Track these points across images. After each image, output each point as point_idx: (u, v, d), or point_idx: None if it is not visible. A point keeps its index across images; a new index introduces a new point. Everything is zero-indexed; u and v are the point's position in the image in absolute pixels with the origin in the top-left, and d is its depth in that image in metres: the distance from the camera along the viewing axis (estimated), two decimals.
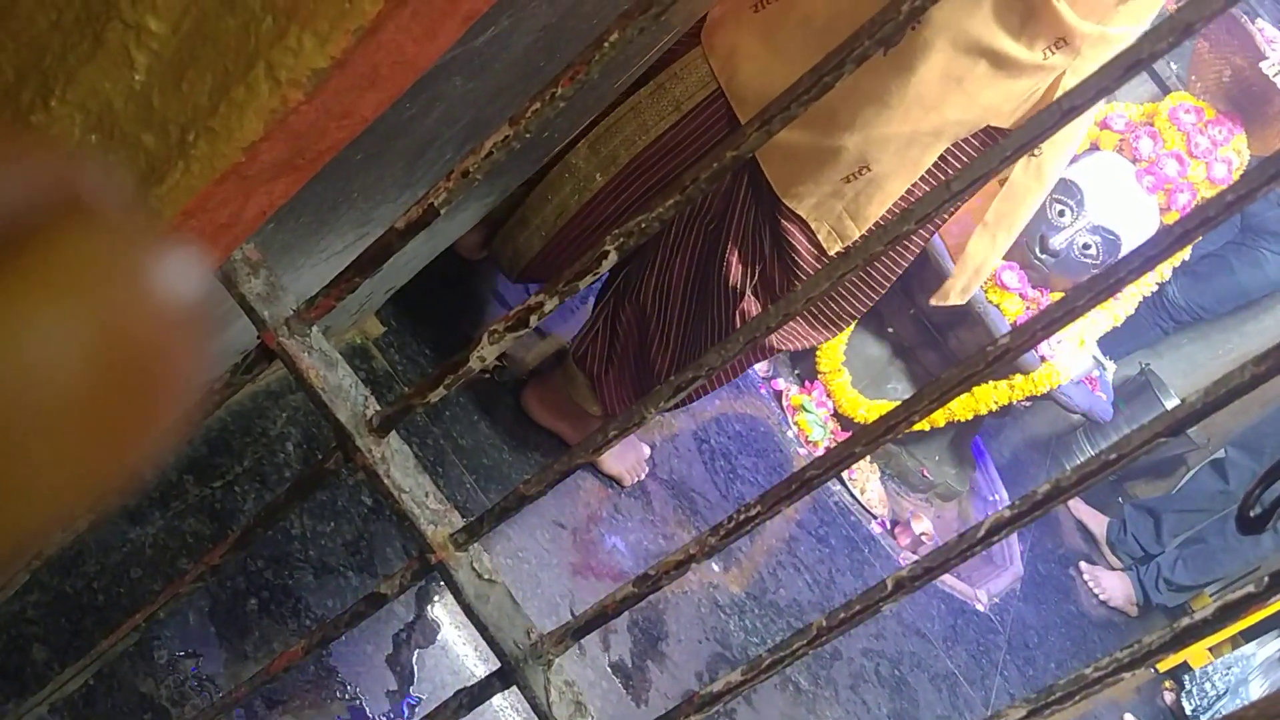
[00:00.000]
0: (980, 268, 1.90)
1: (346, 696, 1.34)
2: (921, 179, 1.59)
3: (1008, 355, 0.58)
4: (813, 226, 1.60)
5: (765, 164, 1.59)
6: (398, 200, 1.25)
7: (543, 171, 1.72)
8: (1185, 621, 0.58)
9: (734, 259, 1.67)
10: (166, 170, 0.54)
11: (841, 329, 1.85)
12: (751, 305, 1.72)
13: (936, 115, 1.51)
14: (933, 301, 2.13)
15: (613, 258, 0.64)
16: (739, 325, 1.74)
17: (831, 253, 1.62)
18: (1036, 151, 1.59)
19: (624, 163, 1.66)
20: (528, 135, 0.64)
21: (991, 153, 0.57)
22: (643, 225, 0.62)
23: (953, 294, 2.02)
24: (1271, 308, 4.33)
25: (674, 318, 1.77)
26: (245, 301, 0.71)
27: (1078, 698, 0.60)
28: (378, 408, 0.73)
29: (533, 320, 0.67)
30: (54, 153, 0.21)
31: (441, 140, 1.18)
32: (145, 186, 0.54)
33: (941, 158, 1.58)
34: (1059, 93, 1.54)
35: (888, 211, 1.60)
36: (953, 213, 1.76)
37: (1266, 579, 0.58)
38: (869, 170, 1.55)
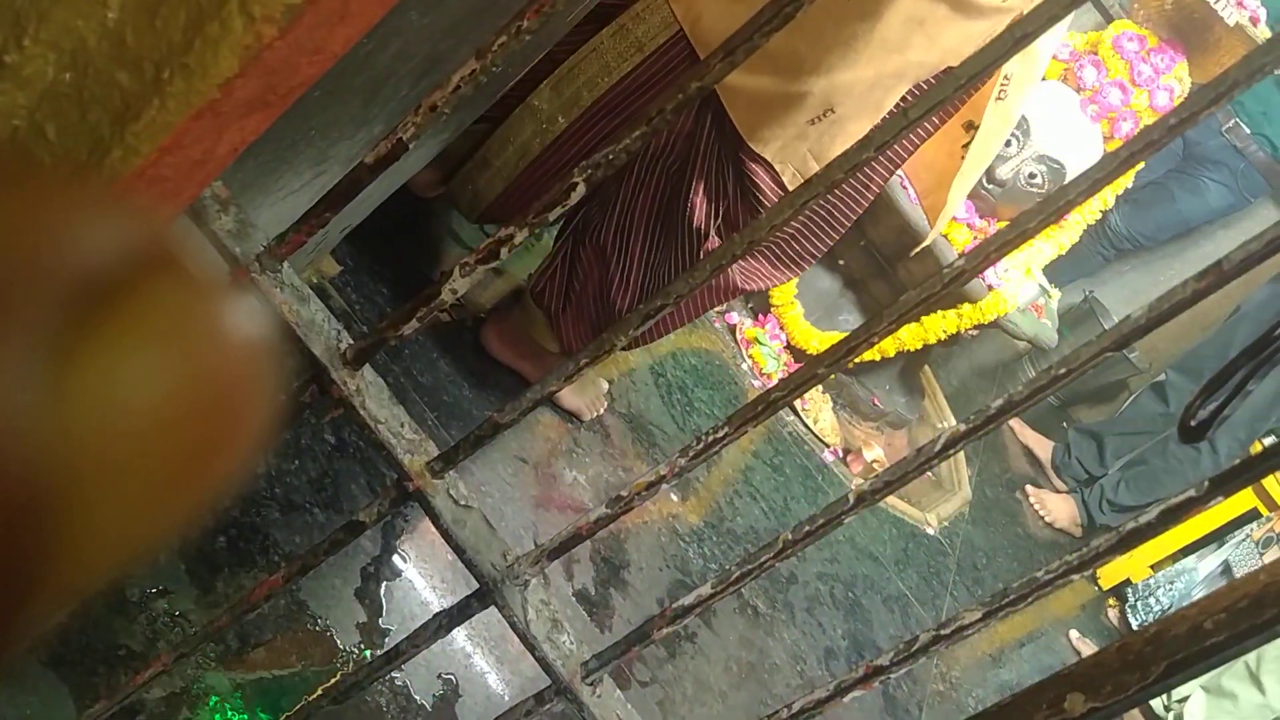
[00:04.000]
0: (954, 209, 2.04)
1: (317, 629, 1.36)
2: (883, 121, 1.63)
3: (963, 276, 0.60)
4: (777, 168, 1.63)
5: (732, 109, 1.61)
6: (355, 137, 1.24)
7: (504, 113, 1.72)
8: (1130, 524, 0.61)
9: (699, 200, 1.69)
10: (142, 107, 0.54)
11: (803, 269, 1.88)
12: (716, 245, 1.75)
13: (899, 57, 1.55)
14: (914, 252, 2.34)
15: (581, 190, 0.65)
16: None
17: None
18: (1002, 95, 1.63)
19: (587, 104, 1.66)
20: (494, 69, 0.65)
21: (946, 82, 0.59)
22: (610, 157, 0.64)
23: (930, 235, 2.20)
24: (1211, 235, 4.42)
25: (635, 258, 1.78)
26: (216, 239, 0.71)
27: (1030, 599, 0.63)
28: (351, 341, 0.74)
29: (503, 253, 0.69)
30: (142, 211, 0.22)
31: (398, 76, 1.18)
32: (121, 124, 0.55)
33: (902, 100, 1.61)
34: None
35: None
36: (910, 153, 1.80)
37: (1207, 484, 0.61)
38: (833, 112, 1.59)
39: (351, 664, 1.37)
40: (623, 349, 2.21)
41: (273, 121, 0.62)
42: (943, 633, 0.64)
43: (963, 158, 1.92)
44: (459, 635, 1.57)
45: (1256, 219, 4.33)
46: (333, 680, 1.32)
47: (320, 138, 1.18)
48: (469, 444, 0.71)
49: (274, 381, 0.23)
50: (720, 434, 0.67)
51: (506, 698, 1.55)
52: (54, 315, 0.19)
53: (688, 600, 0.68)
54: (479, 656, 1.57)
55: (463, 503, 0.73)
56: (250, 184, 1.17)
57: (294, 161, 1.19)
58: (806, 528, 0.67)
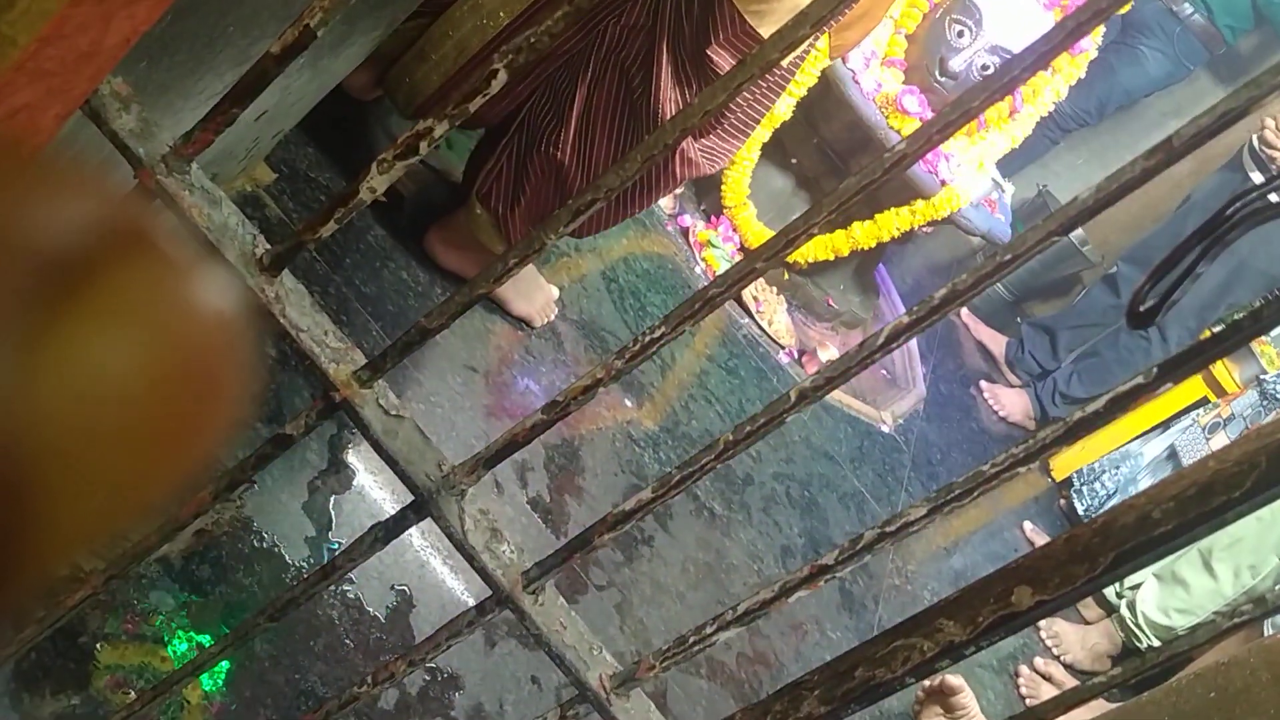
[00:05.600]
0: None
1: (265, 545, 1.34)
2: None
3: (905, 160, 0.57)
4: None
5: None
6: (277, 35, 1.18)
7: (439, 9, 1.66)
8: (1079, 414, 0.60)
9: (667, 96, 1.65)
10: None
11: (749, 134, 1.87)
12: (688, 144, 1.72)
13: None
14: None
15: (502, 76, 0.61)
16: (678, 164, 1.74)
17: None
18: None
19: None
20: None
21: None
22: (532, 40, 0.60)
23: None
24: (1163, 125, 4.41)
25: (601, 160, 1.73)
26: (117, 139, 0.67)
27: (976, 493, 0.62)
28: (268, 246, 0.70)
29: (423, 147, 0.65)
30: (109, 188, 0.22)
31: None
32: None
33: None
34: None
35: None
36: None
37: (1156, 370, 0.60)
38: None
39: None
40: (582, 236, 2.17)
41: (165, 7, 0.57)
42: (888, 530, 0.62)
43: None
44: (413, 545, 1.56)
45: (1196, 88, 4.32)
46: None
47: (240, 35, 1.12)
48: (396, 351, 0.68)
49: (246, 354, 0.23)
50: (658, 333, 0.65)
51: (462, 607, 1.54)
52: (23, 292, 0.19)
53: (628, 505, 0.66)
54: (433, 567, 1.56)
55: (393, 412, 0.71)
56: (169, 86, 1.12)
57: (213, 62, 1.13)
58: (748, 427, 0.65)
